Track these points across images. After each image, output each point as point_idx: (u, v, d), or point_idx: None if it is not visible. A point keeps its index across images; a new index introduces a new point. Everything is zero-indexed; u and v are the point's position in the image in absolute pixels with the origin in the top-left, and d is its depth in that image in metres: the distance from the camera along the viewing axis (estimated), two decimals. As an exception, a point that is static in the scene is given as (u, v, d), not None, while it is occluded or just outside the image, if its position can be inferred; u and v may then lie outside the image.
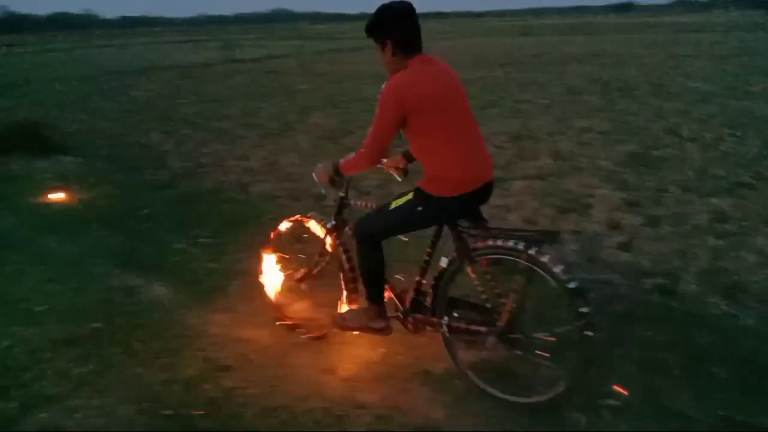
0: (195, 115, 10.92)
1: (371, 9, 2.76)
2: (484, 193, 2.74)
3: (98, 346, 3.40)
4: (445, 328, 2.88)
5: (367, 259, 2.96)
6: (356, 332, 3.16)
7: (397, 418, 2.71)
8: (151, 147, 8.44)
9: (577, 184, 6.00)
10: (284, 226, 3.49)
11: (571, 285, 2.47)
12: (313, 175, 3.02)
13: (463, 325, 2.83)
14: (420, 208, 2.73)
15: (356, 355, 3.25)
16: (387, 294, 3.07)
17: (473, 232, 2.74)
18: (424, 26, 2.66)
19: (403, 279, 3.27)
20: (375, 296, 3.02)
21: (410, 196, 2.78)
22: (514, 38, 34.22)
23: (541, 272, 2.51)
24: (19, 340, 3.48)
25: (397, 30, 2.60)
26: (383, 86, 2.58)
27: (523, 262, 2.54)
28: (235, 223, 5.26)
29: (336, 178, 2.95)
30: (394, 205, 2.83)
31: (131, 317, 3.73)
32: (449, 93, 2.63)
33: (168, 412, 2.80)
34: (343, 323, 3.16)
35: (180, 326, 3.59)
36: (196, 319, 3.68)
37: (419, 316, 3.00)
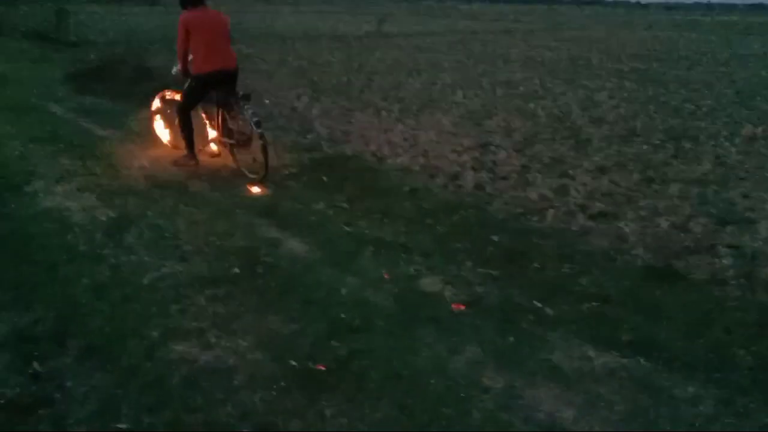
0: (344, 85, 11.20)
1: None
2: (227, 76, 5.67)
3: (237, 289, 3.60)
4: (224, 139, 5.91)
5: (182, 125, 5.83)
6: (182, 168, 5.89)
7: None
8: (300, 111, 8.76)
9: (740, 195, 5.48)
10: (157, 102, 6.55)
11: (255, 119, 5.40)
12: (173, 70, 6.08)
13: (224, 139, 5.90)
14: (193, 83, 5.67)
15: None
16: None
17: (215, 95, 5.77)
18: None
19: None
20: (189, 147, 5.91)
21: (189, 79, 5.72)
22: (680, 32, 31.75)
23: (243, 113, 5.51)
24: (169, 274, 3.77)
25: (186, 1, 5.60)
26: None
27: (236, 107, 5.64)
28: (370, 191, 5.37)
29: (180, 70, 5.83)
30: (185, 87, 5.82)
31: (269, 267, 3.91)
32: (206, 23, 5.57)
33: (294, 363, 2.91)
34: (175, 164, 5.97)
35: (313, 282, 3.71)
36: (327, 277, 3.79)
37: (221, 138, 5.95)
